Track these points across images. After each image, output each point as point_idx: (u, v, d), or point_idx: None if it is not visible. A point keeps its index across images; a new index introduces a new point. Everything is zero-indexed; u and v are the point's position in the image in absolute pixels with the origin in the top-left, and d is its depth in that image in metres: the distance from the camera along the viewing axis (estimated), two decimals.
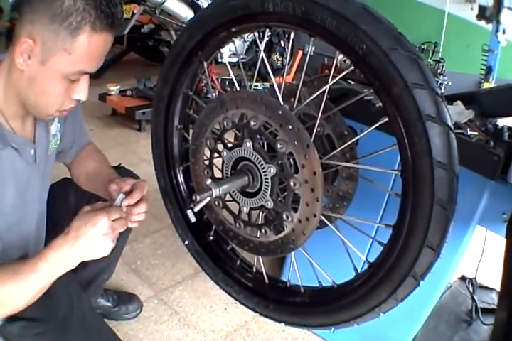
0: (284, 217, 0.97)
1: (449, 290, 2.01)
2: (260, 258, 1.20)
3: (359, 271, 1.03)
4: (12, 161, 1.08)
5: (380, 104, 0.89)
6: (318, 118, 1.00)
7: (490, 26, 3.02)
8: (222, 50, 1.19)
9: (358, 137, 0.97)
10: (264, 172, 0.97)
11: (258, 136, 0.98)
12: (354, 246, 1.03)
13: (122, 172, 1.42)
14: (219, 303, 1.86)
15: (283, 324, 1.18)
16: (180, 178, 1.33)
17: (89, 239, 0.97)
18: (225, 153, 1.05)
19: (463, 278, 2.10)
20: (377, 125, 0.91)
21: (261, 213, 1.05)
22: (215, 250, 1.30)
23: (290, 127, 0.92)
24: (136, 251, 2.06)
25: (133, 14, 3.50)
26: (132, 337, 1.63)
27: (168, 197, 1.33)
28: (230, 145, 1.05)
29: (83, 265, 1.42)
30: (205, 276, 1.95)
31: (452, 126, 0.82)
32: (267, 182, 0.97)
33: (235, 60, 3.77)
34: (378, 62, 0.83)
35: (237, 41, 4.36)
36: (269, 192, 0.98)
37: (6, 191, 1.08)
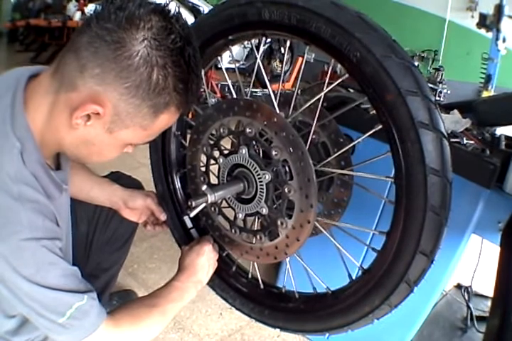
0: (279, 223, 0.98)
1: (444, 298, 2.01)
2: (256, 264, 1.21)
3: (353, 277, 1.03)
4: (65, 202, 1.05)
5: (374, 111, 0.90)
6: (313, 126, 1.01)
7: (490, 34, 3.01)
8: (220, 57, 1.20)
9: (351, 145, 0.98)
10: (259, 178, 0.98)
11: (254, 143, 0.99)
12: (348, 253, 1.03)
13: (122, 177, 1.44)
14: (214, 308, 1.87)
15: (278, 329, 1.19)
16: (178, 184, 1.34)
17: (207, 266, 1.16)
18: (221, 160, 1.06)
19: (458, 286, 2.10)
20: (370, 132, 0.91)
21: (256, 219, 1.06)
22: None
23: (285, 134, 0.93)
24: (133, 255, 2.06)
25: None
26: None
27: (165, 203, 1.33)
28: (226, 152, 1.06)
29: (95, 276, 1.46)
30: None
31: (445, 133, 0.83)
32: (262, 189, 0.98)
33: (234, 65, 3.78)
34: (372, 70, 0.84)
35: (237, 47, 4.39)
36: (264, 198, 0.99)
37: (63, 236, 0.98)
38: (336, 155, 1.01)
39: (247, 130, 0.99)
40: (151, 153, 1.35)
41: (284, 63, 4.62)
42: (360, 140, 0.95)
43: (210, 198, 0.95)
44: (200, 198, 0.95)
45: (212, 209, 1.13)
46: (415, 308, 1.50)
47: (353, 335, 1.63)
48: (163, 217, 1.31)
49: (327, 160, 1.00)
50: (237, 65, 4.25)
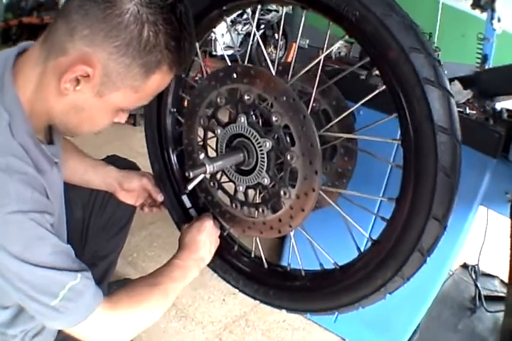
0: (282, 193, 0.93)
1: (450, 277, 1.97)
2: (259, 242, 1.17)
3: (362, 249, 0.99)
4: (57, 177, 1.00)
5: (377, 72, 0.86)
6: (314, 92, 0.97)
7: (484, 15, 2.99)
8: (215, 36, 1.16)
9: (354, 107, 0.93)
10: (259, 147, 0.93)
11: (252, 111, 0.95)
12: (356, 224, 0.99)
13: (118, 160, 1.40)
14: (217, 294, 1.82)
15: (284, 311, 1.14)
16: (175, 162, 1.30)
17: (208, 243, 1.11)
18: (218, 131, 1.01)
19: (464, 266, 2.07)
20: (375, 93, 0.87)
21: (257, 192, 1.01)
22: None
23: (285, 98, 0.88)
24: (131, 244, 2.01)
25: None
26: None
27: (162, 183, 1.29)
28: (223, 122, 1.02)
29: (93, 265, 1.40)
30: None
31: (451, 92, 0.79)
32: (263, 158, 0.94)
33: (229, 52, 3.73)
34: (373, 28, 0.81)
35: (232, 34, 4.35)
36: (265, 168, 0.94)
37: (55, 212, 0.92)
38: (338, 118, 0.96)
39: (245, 97, 0.95)
40: (147, 131, 1.31)
41: (278, 49, 4.59)
42: (363, 101, 0.90)
43: (209, 168, 0.91)
44: (198, 168, 0.90)
45: (212, 184, 1.08)
46: (424, 286, 1.46)
47: (362, 317, 1.60)
48: (160, 197, 1.27)
49: (331, 124, 0.95)
50: (232, 51, 4.20)
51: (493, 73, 1.47)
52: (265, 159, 0.93)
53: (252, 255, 1.21)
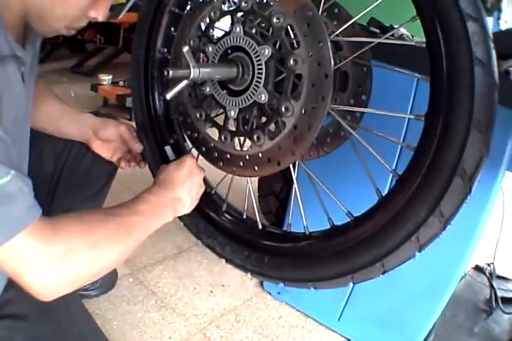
0: (283, 110, 0.77)
1: (463, 279, 1.78)
2: (253, 197, 1.00)
3: (383, 193, 0.81)
4: (16, 78, 0.83)
5: None
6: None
7: (491, 20, 2.95)
8: None
9: (360, 15, 0.79)
10: (256, 56, 0.78)
11: (249, 18, 0.81)
12: (370, 166, 0.83)
13: (99, 113, 1.23)
14: (203, 285, 1.61)
15: (282, 284, 0.95)
16: (160, 110, 1.15)
17: (189, 185, 0.93)
18: (210, 48, 0.87)
19: (477, 268, 1.89)
20: None
21: (252, 115, 0.84)
22: None
23: None
24: None
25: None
26: (100, 317, 1.39)
27: (144, 133, 1.13)
28: (216, 38, 0.87)
29: None
30: (189, 257, 1.75)
31: None
32: (261, 69, 0.78)
33: None
34: None
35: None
36: (262, 81, 0.78)
37: (7, 113, 0.76)
38: (353, 20, 0.81)
39: (243, 4, 0.81)
40: (132, 74, 1.17)
41: None
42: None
43: (194, 72, 0.74)
44: (181, 69, 0.74)
45: (198, 115, 0.92)
46: (442, 278, 1.28)
47: (371, 315, 1.41)
48: (138, 147, 1.12)
49: (340, 30, 0.79)
50: None
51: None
52: (263, 70, 0.78)
53: (244, 215, 1.04)
